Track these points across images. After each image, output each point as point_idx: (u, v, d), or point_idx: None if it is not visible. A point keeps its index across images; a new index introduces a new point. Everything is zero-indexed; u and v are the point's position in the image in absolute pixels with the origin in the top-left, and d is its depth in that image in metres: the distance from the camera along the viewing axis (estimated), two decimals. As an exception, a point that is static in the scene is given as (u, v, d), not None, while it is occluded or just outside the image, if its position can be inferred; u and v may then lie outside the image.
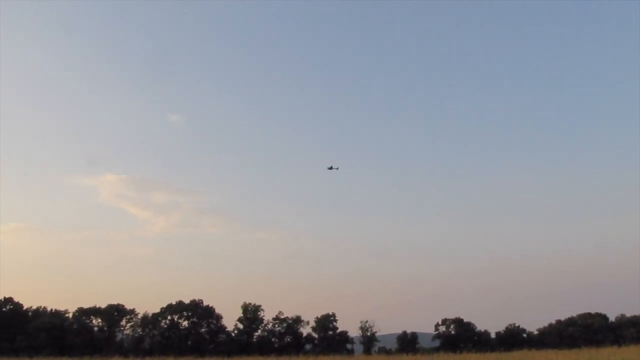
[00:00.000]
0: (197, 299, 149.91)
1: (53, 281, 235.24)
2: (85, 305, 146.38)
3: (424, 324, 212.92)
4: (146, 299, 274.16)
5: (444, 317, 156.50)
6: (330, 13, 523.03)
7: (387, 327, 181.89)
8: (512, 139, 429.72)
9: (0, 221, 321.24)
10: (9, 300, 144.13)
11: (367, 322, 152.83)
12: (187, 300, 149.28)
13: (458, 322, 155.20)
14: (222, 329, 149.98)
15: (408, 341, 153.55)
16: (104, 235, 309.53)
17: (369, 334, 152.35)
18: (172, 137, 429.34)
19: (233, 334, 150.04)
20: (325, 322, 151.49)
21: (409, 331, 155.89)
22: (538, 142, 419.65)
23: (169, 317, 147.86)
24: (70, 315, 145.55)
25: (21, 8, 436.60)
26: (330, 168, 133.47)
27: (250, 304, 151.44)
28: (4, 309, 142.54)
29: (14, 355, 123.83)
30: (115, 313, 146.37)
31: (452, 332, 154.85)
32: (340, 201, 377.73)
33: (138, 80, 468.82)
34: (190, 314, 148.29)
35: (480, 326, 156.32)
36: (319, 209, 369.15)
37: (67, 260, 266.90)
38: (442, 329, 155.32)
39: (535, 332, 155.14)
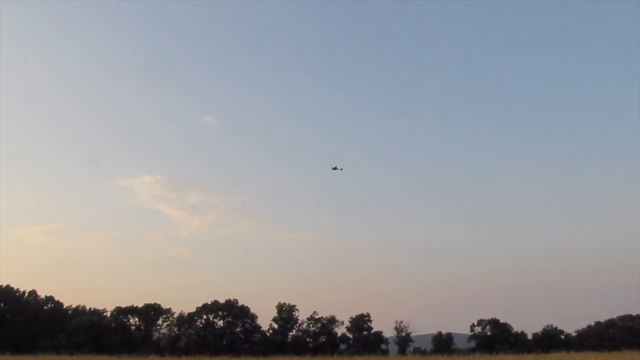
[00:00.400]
0: (232, 298, 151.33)
1: (91, 280, 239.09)
2: (123, 305, 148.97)
3: (460, 325, 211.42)
4: (182, 299, 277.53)
5: (479, 318, 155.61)
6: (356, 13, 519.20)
7: (422, 327, 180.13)
8: (546, 138, 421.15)
9: (40, 222, 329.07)
10: (49, 298, 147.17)
11: (401, 322, 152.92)
12: (222, 300, 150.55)
13: (494, 322, 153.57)
14: (257, 328, 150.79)
15: (443, 342, 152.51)
16: (141, 236, 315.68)
17: (403, 334, 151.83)
18: (206, 137, 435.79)
19: (268, 334, 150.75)
20: (360, 322, 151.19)
21: (444, 332, 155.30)
22: (573, 140, 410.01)
23: (205, 317, 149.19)
24: (109, 314, 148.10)
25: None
26: (335, 168, 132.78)
27: (285, 303, 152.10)
28: (45, 308, 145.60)
29: (55, 352, 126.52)
30: (152, 312, 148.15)
31: (488, 333, 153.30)
32: (375, 201, 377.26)
33: (172, 82, 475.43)
34: (225, 313, 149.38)
35: (516, 327, 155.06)
36: (353, 209, 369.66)
37: (104, 260, 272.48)
38: (478, 329, 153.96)
39: (574, 334, 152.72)
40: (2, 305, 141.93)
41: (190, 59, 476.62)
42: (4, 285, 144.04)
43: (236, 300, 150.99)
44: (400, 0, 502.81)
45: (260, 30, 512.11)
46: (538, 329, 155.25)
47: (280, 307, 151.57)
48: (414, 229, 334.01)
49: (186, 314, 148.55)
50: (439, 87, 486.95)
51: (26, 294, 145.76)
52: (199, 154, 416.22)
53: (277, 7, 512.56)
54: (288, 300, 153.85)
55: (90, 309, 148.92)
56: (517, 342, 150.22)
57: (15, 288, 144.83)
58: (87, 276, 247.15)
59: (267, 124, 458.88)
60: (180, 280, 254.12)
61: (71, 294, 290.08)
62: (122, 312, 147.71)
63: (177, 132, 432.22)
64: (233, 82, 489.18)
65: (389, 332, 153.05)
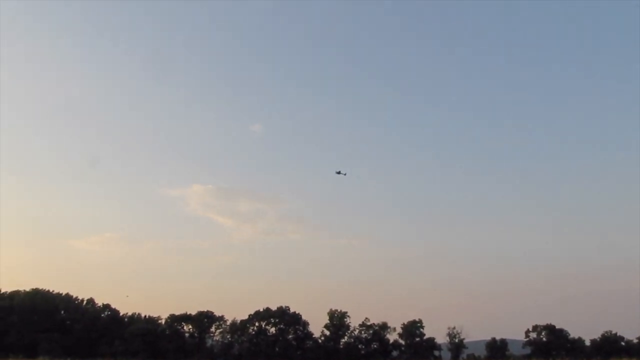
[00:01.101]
0: (283, 305, 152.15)
1: (146, 288, 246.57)
2: (177, 312, 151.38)
3: (514, 331, 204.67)
4: (234, 306, 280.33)
5: (534, 324, 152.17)
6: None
7: (476, 333, 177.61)
8: (611, 139, 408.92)
9: (97, 231, 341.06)
10: (107, 306, 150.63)
11: (454, 328, 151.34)
12: (274, 307, 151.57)
13: (550, 328, 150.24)
14: (309, 335, 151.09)
15: (497, 348, 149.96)
16: (193, 244, 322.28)
17: (456, 340, 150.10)
18: (254, 146, 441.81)
19: (320, 341, 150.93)
20: (412, 329, 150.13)
21: (498, 338, 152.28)
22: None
23: (257, 324, 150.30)
24: (163, 321, 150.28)
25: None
26: (339, 173, 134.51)
27: (336, 310, 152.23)
28: (102, 315, 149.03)
29: (112, 358, 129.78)
30: (205, 320, 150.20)
31: (544, 339, 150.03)
32: (424, 206, 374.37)
33: (219, 92, 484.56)
34: (277, 320, 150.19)
35: (573, 333, 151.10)
36: (402, 215, 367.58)
37: (158, 269, 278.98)
38: (533, 335, 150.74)
39: (635, 341, 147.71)
40: (62, 312, 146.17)
41: (237, 69, 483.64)
42: (64, 293, 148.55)
43: (288, 307, 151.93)
44: None
45: (307, 36, 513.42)
46: (597, 335, 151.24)
47: (332, 314, 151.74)
48: (465, 234, 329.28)
49: (239, 321, 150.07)
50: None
51: (85, 302, 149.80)
52: (247, 162, 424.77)
53: (326, 12, 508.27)
54: (339, 306, 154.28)
55: (145, 316, 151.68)
56: (574, 348, 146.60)
57: (74, 296, 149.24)
58: (142, 284, 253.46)
59: (314, 131, 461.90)
60: (232, 287, 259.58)
61: (126, 302, 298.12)
62: (176, 320, 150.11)
63: (225, 142, 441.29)
64: (278, 89, 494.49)
65: (441, 339, 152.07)
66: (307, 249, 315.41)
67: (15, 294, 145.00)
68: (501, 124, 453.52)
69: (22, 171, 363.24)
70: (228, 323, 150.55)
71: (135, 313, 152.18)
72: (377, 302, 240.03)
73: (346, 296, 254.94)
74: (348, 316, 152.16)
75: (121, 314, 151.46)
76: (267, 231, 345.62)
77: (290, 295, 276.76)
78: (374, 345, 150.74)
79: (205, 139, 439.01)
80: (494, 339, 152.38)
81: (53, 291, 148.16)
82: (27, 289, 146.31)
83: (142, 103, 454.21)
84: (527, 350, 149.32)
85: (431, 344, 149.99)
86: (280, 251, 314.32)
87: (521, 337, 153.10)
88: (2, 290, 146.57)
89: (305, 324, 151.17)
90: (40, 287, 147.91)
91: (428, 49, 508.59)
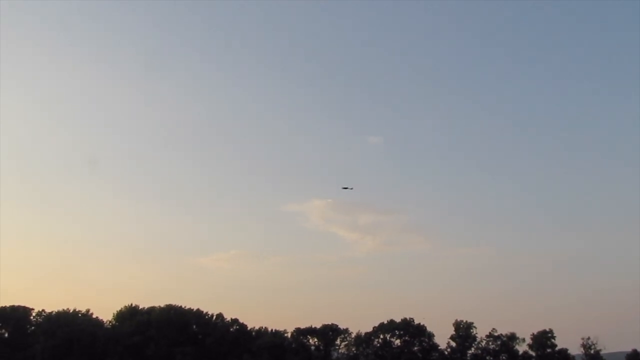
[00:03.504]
0: (407, 317, 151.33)
1: (272, 303, 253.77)
2: (302, 326, 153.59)
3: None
4: (358, 319, 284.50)
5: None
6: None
7: (614, 344, 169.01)
8: None
9: (224, 249, 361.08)
10: (235, 321, 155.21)
11: (589, 338, 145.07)
12: (398, 319, 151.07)
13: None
14: (435, 347, 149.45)
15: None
16: (315, 258, 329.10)
17: (592, 351, 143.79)
18: (372, 158, 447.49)
19: (446, 352, 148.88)
20: (543, 339, 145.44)
21: None
22: None
23: (382, 336, 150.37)
24: (289, 334, 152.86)
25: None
26: (345, 188, 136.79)
27: (462, 321, 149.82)
28: (231, 329, 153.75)
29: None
30: (330, 332, 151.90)
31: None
32: (550, 210, 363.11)
33: (337, 104, 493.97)
34: (402, 332, 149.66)
35: None
36: (530, 222, 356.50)
37: (283, 283, 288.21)
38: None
39: None
40: (194, 327, 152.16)
41: (352, 83, 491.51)
42: (195, 309, 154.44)
43: (412, 318, 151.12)
44: None
45: (426, 56, 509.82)
46: None
47: (458, 325, 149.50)
48: (599, 238, 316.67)
49: (363, 334, 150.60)
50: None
51: (214, 317, 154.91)
52: (365, 175, 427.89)
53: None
54: (464, 317, 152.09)
55: (271, 330, 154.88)
56: None
57: (204, 311, 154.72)
58: (267, 299, 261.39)
59: (429, 141, 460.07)
60: (355, 300, 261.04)
61: (253, 316, 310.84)
62: (301, 333, 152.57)
63: (343, 155, 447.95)
64: (394, 101, 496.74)
65: (575, 350, 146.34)
66: (430, 259, 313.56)
67: (151, 310, 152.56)
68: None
69: (152, 195, 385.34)
70: (353, 336, 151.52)
71: (262, 327, 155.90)
72: (504, 312, 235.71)
73: (471, 306, 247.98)
74: (474, 327, 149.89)
75: (249, 328, 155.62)
76: (389, 243, 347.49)
77: (414, 307, 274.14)
78: (503, 357, 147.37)
79: (323, 153, 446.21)
80: (635, 351, 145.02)
81: (185, 307, 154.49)
82: (162, 305, 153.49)
83: (260, 121, 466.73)
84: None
85: (564, 355, 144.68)
86: (403, 262, 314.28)
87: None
88: (140, 306, 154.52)
89: (431, 336, 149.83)
90: (173, 303, 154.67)
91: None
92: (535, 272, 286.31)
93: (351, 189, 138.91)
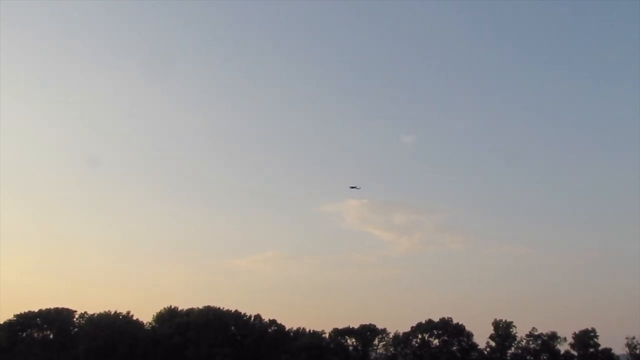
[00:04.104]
0: (446, 317, 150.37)
1: (309, 303, 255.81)
2: (340, 326, 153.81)
3: None
4: (395, 319, 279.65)
5: None
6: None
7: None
8: None
9: (258, 250, 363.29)
10: (273, 322, 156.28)
11: (634, 338, 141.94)
12: (436, 319, 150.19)
13: None
14: (474, 346, 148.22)
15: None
16: (352, 258, 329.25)
17: (637, 351, 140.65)
18: (406, 157, 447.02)
19: (485, 352, 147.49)
20: (585, 338, 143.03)
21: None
22: None
23: (420, 336, 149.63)
24: (327, 335, 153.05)
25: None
26: (353, 187, 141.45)
27: (501, 320, 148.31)
28: (269, 330, 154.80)
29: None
30: (368, 333, 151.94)
31: None
32: (591, 208, 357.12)
33: (370, 104, 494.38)
34: (440, 332, 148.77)
35: None
36: (571, 219, 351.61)
37: (320, 284, 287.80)
38: None
39: None
40: (233, 328, 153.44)
41: (387, 83, 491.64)
42: (233, 310, 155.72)
43: (450, 318, 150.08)
44: None
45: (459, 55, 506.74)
46: None
47: (497, 324, 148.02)
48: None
49: (401, 334, 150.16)
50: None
51: (252, 318, 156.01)
52: (400, 174, 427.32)
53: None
54: (503, 316, 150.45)
55: (309, 330, 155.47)
56: None
57: (242, 313, 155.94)
58: (304, 300, 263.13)
59: (462, 140, 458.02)
60: (393, 300, 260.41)
61: (291, 317, 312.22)
62: (339, 333, 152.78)
63: (378, 155, 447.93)
64: (427, 101, 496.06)
65: (619, 349, 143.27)
66: (467, 258, 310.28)
67: (190, 311, 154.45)
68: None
69: (189, 198, 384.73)
70: (391, 336, 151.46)
71: (300, 327, 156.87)
72: (544, 311, 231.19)
73: (510, 305, 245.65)
74: (514, 326, 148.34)
75: (287, 329, 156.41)
76: (425, 242, 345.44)
77: (452, 306, 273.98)
78: (544, 357, 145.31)
79: (357, 153, 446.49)
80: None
81: (223, 308, 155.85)
82: (200, 307, 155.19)
83: (295, 122, 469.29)
84: None
85: (608, 355, 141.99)
86: (440, 261, 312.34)
87: None
88: (179, 308, 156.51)
89: (470, 335, 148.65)
90: (211, 305, 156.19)
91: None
92: (574, 270, 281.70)
93: (359, 188, 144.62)
